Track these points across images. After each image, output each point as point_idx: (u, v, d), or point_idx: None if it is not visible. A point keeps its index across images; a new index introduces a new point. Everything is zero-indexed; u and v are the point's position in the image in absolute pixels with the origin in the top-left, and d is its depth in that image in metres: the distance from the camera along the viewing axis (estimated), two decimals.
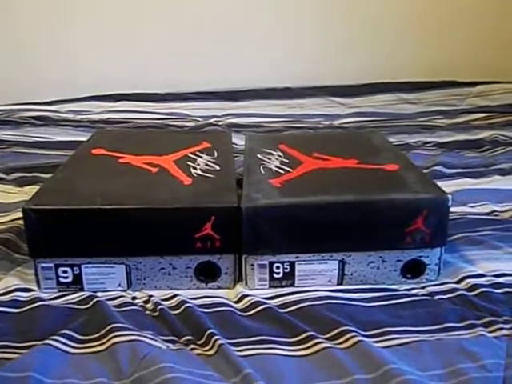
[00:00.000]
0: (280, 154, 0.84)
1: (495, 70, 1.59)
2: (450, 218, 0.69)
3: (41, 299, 0.64)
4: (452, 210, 0.81)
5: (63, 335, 0.56)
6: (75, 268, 0.66)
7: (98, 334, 0.57)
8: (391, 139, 1.15)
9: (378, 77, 1.58)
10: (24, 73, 1.61)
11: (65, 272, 0.66)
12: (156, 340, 0.56)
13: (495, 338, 0.56)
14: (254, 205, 0.66)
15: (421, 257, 0.68)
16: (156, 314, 0.61)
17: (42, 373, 0.50)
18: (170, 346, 0.56)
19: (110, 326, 0.57)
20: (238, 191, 0.70)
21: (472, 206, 0.89)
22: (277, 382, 0.51)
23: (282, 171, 0.76)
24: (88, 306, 0.63)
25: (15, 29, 1.59)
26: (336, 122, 1.40)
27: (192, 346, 0.56)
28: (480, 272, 0.68)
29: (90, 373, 0.52)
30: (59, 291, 0.66)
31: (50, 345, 0.54)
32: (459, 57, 1.64)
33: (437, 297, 0.65)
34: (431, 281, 0.68)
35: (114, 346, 0.55)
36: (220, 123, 1.38)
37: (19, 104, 1.47)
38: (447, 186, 0.88)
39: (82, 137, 1.16)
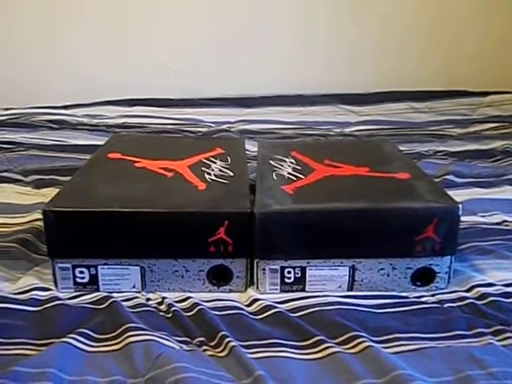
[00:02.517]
0: (292, 160, 0.85)
1: (507, 80, 1.59)
2: (461, 227, 0.70)
3: (58, 298, 0.66)
4: (462, 219, 0.81)
5: (80, 334, 0.58)
6: (92, 269, 0.68)
7: (114, 334, 0.59)
8: (402, 148, 1.15)
9: (388, 85, 1.59)
10: (37, 79, 1.64)
11: (81, 272, 0.68)
12: (170, 340, 0.58)
13: (504, 346, 0.57)
14: (267, 210, 0.67)
15: (431, 265, 0.69)
16: (169, 315, 0.63)
17: (60, 369, 0.52)
18: (184, 346, 0.57)
19: (125, 326, 0.59)
20: (251, 197, 0.72)
21: (482, 216, 0.89)
22: None
23: (294, 178, 0.78)
24: (104, 306, 0.64)
25: (26, 36, 1.62)
26: (347, 130, 1.42)
27: (204, 347, 0.57)
28: (490, 281, 0.69)
29: (106, 371, 0.53)
30: (76, 291, 0.68)
31: (68, 343, 0.56)
32: (471, 66, 1.64)
33: (446, 305, 0.65)
34: (441, 289, 0.69)
35: (129, 346, 0.56)
36: (232, 129, 1.40)
37: (36, 108, 1.50)
38: (458, 195, 0.88)
39: (98, 141, 1.19)
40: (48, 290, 0.67)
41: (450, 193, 0.73)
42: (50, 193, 0.92)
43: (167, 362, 0.53)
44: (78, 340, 0.57)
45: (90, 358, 0.55)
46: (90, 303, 0.65)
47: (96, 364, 0.54)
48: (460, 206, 0.68)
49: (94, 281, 0.68)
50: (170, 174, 0.78)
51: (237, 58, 1.66)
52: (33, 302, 0.65)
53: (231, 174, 0.79)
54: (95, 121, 1.46)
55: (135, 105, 1.54)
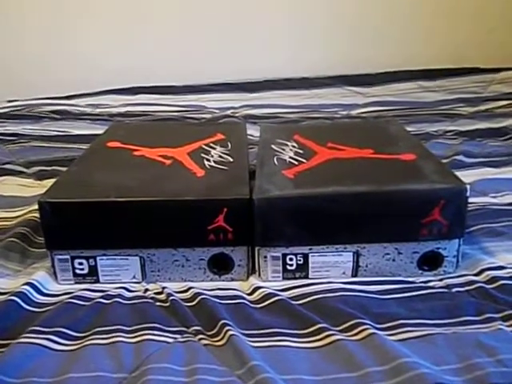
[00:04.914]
0: (294, 144, 0.83)
1: None
2: (471, 208, 0.67)
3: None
4: (472, 200, 0.78)
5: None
6: (91, 260, 0.67)
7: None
8: (411, 128, 1.12)
9: (395, 65, 1.54)
10: (39, 71, 1.64)
11: (80, 264, 0.67)
12: (163, 334, 0.56)
13: None
14: (266, 196, 0.65)
15: (438, 248, 0.66)
16: (167, 304, 0.62)
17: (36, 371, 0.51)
18: (178, 337, 0.56)
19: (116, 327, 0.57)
20: (250, 183, 0.70)
21: (493, 197, 0.86)
22: (288, 374, 0.51)
23: (295, 162, 0.75)
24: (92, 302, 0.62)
25: (28, 28, 1.61)
26: (354, 112, 1.38)
27: (200, 336, 0.56)
28: (500, 264, 0.66)
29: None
30: (76, 283, 0.67)
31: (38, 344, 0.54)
32: (481, 43, 1.58)
33: (454, 289, 0.63)
34: (449, 273, 0.67)
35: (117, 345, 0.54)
36: (237, 114, 1.38)
37: (39, 99, 1.50)
38: (468, 175, 0.85)
39: (101, 130, 1.16)
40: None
41: (460, 173, 0.70)
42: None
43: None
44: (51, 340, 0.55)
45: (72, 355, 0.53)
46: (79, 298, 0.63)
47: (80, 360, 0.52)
48: (468, 186, 0.65)
49: (93, 272, 0.67)
50: (168, 162, 0.77)
51: (240, 43, 1.63)
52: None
53: (231, 159, 0.77)
54: (98, 110, 1.44)
55: (138, 93, 1.53)
